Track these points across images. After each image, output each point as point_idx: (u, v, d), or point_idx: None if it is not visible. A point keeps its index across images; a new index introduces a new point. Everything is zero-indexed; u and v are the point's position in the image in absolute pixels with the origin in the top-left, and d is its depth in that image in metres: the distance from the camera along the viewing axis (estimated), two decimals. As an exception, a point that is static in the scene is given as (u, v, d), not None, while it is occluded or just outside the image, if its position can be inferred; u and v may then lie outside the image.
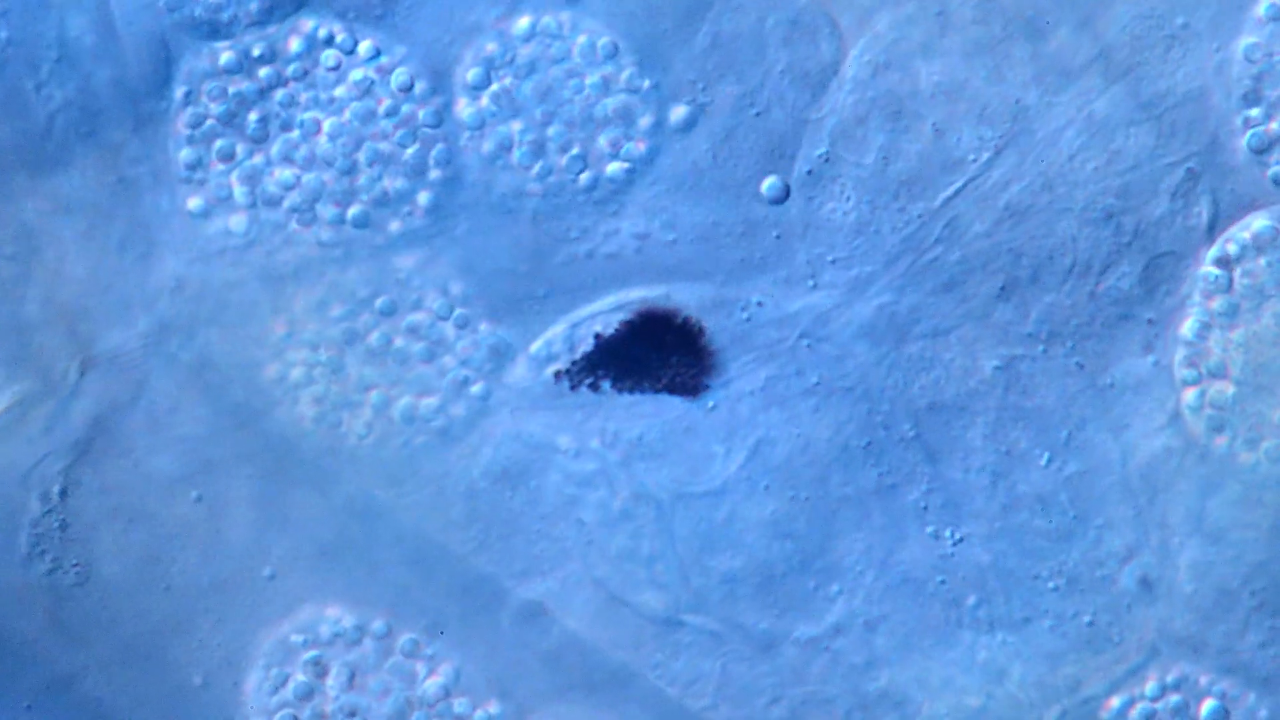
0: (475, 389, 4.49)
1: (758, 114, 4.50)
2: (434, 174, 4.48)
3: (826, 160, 4.42)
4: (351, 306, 4.51)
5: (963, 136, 4.47)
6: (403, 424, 4.50)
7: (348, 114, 4.48)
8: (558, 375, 4.47)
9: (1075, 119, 4.47)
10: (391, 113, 4.48)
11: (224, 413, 4.55)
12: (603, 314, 4.45)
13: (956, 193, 4.47)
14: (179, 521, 4.57)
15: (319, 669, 4.52)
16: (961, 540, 4.51)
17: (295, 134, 4.48)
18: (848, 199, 4.47)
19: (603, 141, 4.44)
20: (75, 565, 4.55)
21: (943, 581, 4.52)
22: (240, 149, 4.48)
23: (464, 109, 4.48)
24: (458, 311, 4.48)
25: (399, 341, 4.48)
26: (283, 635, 4.55)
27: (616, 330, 4.46)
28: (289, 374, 4.52)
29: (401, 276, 4.48)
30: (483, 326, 4.49)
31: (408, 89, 4.49)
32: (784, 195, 4.37)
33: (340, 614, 4.54)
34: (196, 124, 4.50)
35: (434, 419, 4.50)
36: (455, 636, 4.54)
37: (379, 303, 4.50)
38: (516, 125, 4.47)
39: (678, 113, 4.42)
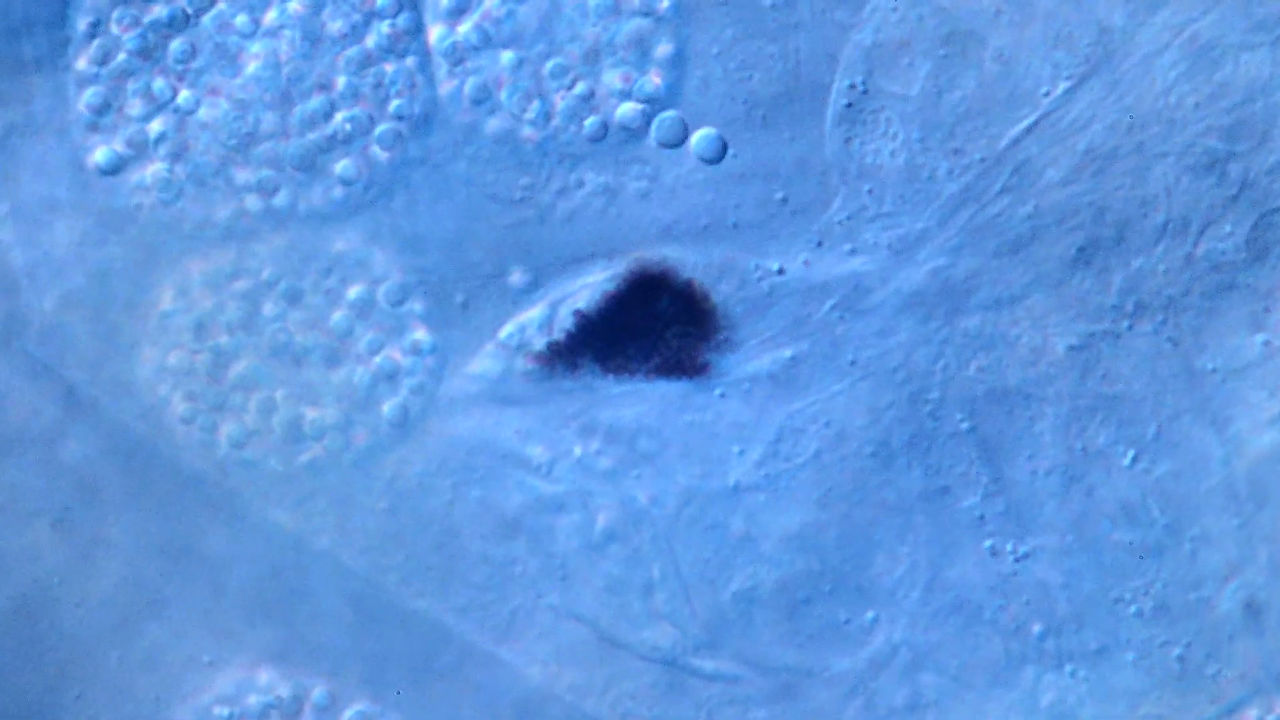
0: (386, 407, 4.34)
1: (784, 35, 4.35)
2: (395, 104, 4.32)
3: (864, 92, 4.28)
4: (258, 287, 4.37)
5: (1033, 65, 4.29)
6: (296, 438, 4.36)
7: (287, 39, 4.33)
8: (534, 358, 4.31)
9: (1172, 43, 4.29)
10: (346, 35, 4.32)
11: (94, 421, 4.41)
12: (588, 286, 4.32)
13: (1026, 132, 4.29)
14: (57, 559, 4.43)
15: None
16: (1026, 556, 4.32)
17: (224, 65, 4.34)
18: (895, 135, 4.30)
19: (613, 78, 4.30)
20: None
21: (1002, 606, 4.33)
22: (159, 84, 4.33)
23: (439, 38, 4.32)
24: (383, 308, 4.34)
25: (300, 338, 4.34)
26: (203, 706, 4.41)
27: (602, 302, 4.31)
28: (165, 360, 4.36)
29: (334, 254, 4.35)
30: (417, 331, 4.34)
31: (368, 5, 4.34)
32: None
33: (271, 679, 4.38)
34: (104, 59, 4.32)
35: (346, 432, 4.36)
36: (409, 698, 4.41)
37: (283, 286, 4.34)
38: (506, 56, 4.30)
39: (664, 50, 4.32)
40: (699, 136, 4.28)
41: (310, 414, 4.35)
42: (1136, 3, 4.30)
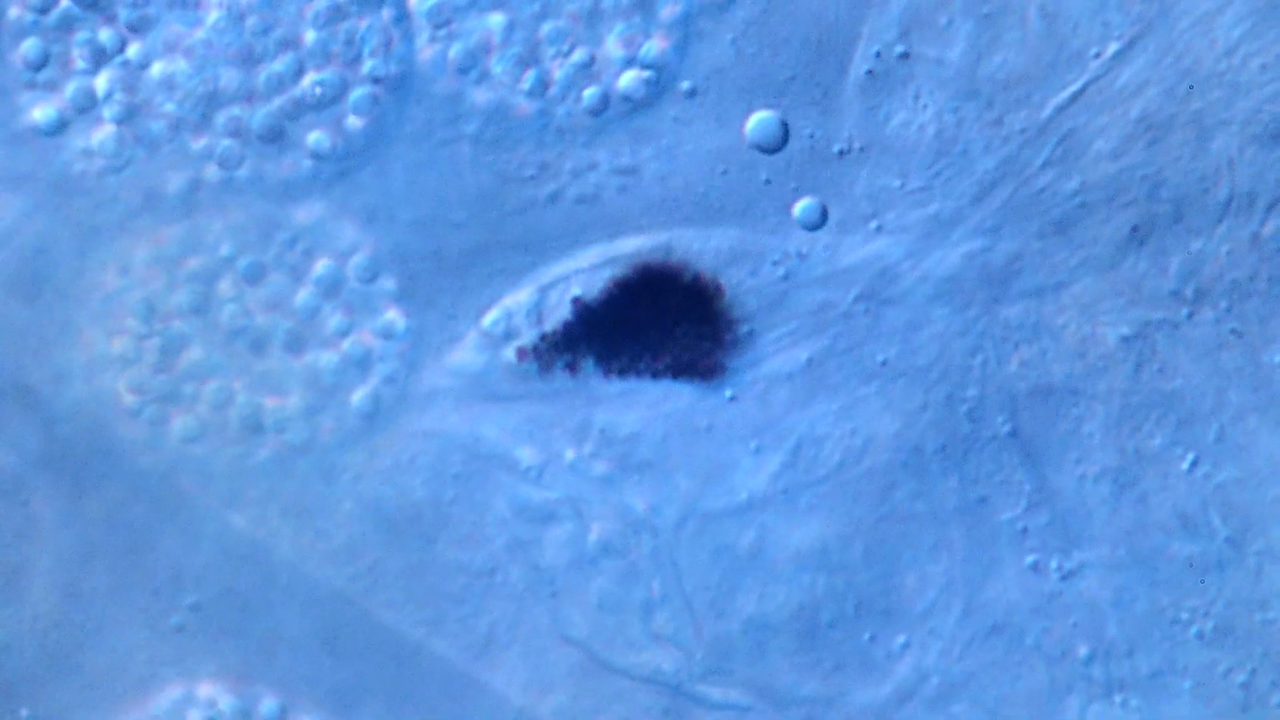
0: (353, 398, 4.29)
1: None
2: (369, 64, 4.24)
3: (903, 57, 4.22)
4: (214, 264, 4.30)
5: (1081, 23, 4.23)
6: (252, 432, 4.31)
7: None
8: (521, 354, 4.24)
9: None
10: None
11: (27, 417, 4.33)
12: (584, 272, 4.25)
13: (1073, 99, 4.24)
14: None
15: None
16: (1073, 573, 4.27)
17: (186, 18, 4.22)
18: (925, 108, 4.24)
19: (614, 43, 4.23)
20: None
21: (1046, 630, 4.26)
22: (107, 36, 4.22)
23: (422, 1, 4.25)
24: (353, 285, 4.29)
25: (261, 319, 4.28)
26: (137, 726, 4.42)
27: (602, 293, 4.24)
28: (109, 346, 4.29)
29: (298, 227, 4.27)
30: (390, 312, 4.30)
31: None
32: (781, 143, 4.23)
33: (215, 693, 4.33)
34: (45, 8, 4.22)
35: (308, 426, 4.31)
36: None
37: (241, 263, 4.26)
38: (495, 19, 4.22)
39: (670, 11, 4.26)
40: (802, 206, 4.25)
41: (269, 405, 4.31)
42: (1195, -46, 4.27)
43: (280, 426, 4.28)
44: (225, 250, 4.27)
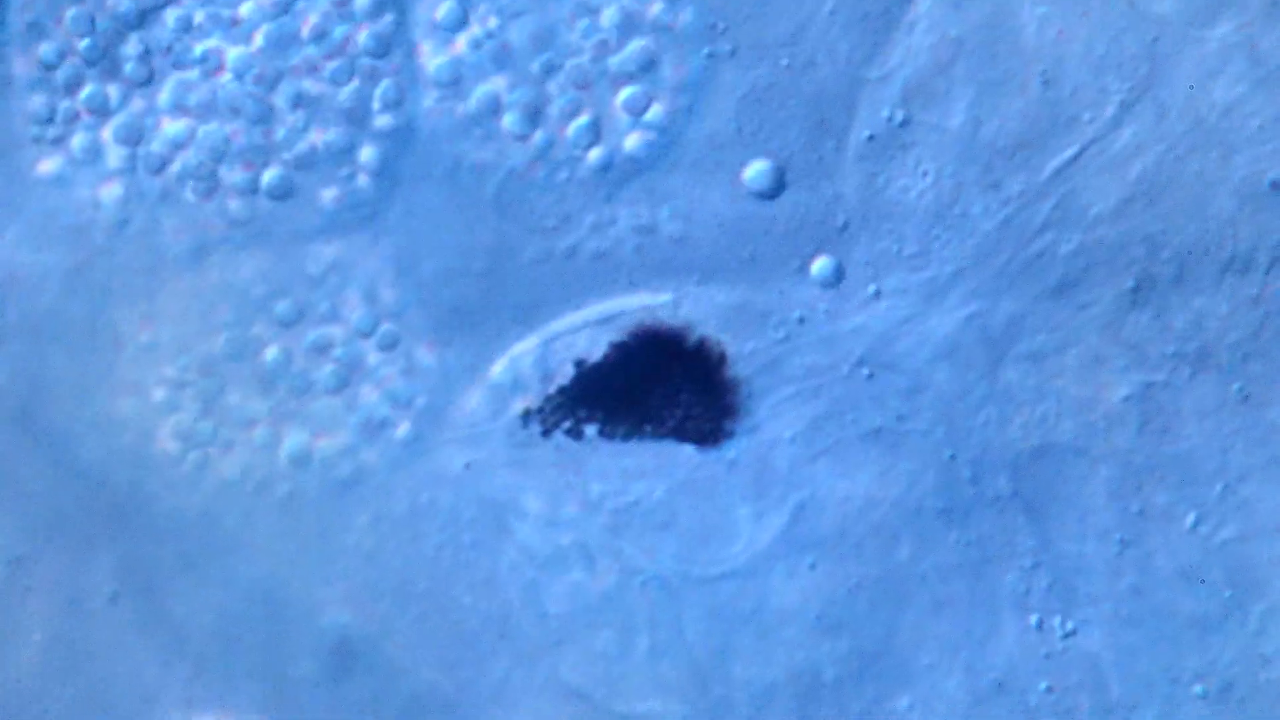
0: (400, 430, 4.26)
1: (793, 66, 4.26)
2: (381, 120, 4.21)
3: (904, 124, 4.21)
4: (243, 312, 4.27)
5: (1080, 86, 4.18)
6: (291, 468, 4.28)
7: (260, 39, 4.21)
8: (526, 415, 4.23)
9: (1234, 58, 4.16)
10: (323, 35, 4.21)
11: (55, 453, 4.30)
12: (588, 328, 4.24)
13: (1071, 161, 4.19)
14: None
15: None
16: (1075, 632, 4.22)
17: (193, 73, 4.21)
18: (924, 174, 4.20)
19: (619, 103, 4.23)
20: None
21: (1049, 689, 4.21)
22: (114, 91, 4.21)
23: (430, 59, 4.22)
24: (384, 326, 4.26)
25: (300, 363, 4.26)
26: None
27: (605, 355, 4.23)
28: (150, 395, 4.25)
29: (316, 273, 4.26)
30: (420, 349, 4.26)
31: (347, 3, 4.23)
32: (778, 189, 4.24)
33: None
34: (52, 63, 4.23)
35: (337, 465, 4.29)
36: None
37: (279, 308, 4.25)
38: (500, 82, 4.22)
39: (676, 72, 4.25)
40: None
41: (287, 446, 4.25)
42: (1194, 13, 4.16)
43: (295, 469, 4.24)
44: (258, 294, 4.23)
